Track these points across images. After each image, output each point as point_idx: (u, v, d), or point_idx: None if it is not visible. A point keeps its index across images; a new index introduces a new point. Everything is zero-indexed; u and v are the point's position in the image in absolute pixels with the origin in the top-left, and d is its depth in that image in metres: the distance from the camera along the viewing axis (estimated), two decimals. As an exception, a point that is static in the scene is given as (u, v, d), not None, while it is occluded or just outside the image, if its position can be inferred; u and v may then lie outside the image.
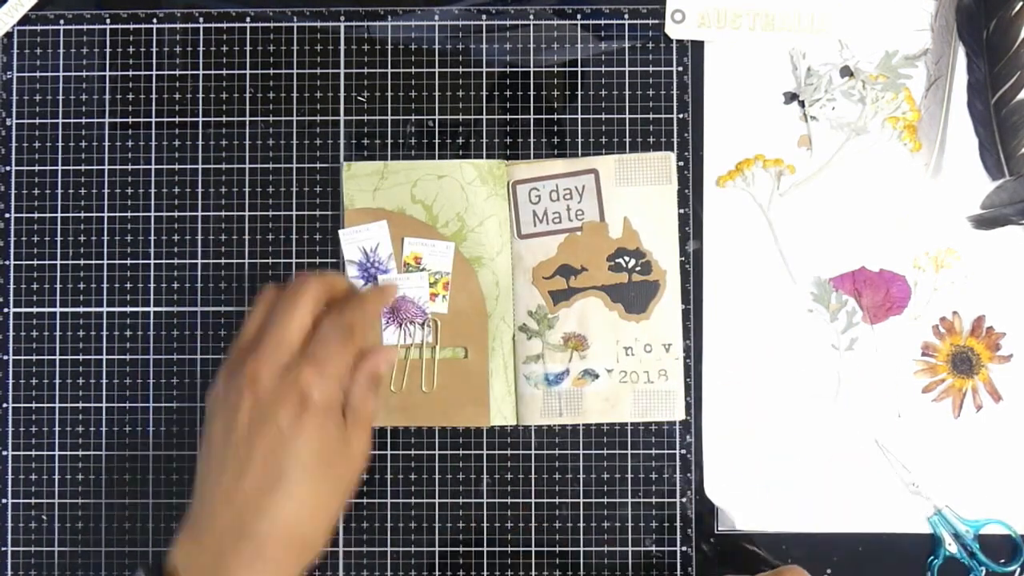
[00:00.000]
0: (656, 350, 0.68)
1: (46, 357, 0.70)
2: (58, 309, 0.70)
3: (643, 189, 0.69)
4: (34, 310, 0.70)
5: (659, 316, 0.69)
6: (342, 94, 0.70)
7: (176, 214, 0.70)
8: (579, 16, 0.70)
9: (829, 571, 0.69)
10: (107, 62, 0.71)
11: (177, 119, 0.70)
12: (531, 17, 0.70)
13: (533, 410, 0.68)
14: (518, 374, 0.69)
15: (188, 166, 0.70)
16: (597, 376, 0.69)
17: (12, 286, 0.70)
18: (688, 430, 0.69)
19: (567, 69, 0.70)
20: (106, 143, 0.70)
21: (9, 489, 0.70)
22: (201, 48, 0.70)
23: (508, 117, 0.70)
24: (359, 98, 0.70)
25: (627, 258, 0.69)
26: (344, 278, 0.61)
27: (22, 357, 0.70)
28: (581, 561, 0.69)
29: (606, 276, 0.69)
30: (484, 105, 0.70)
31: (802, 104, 0.69)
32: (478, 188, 0.68)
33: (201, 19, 0.70)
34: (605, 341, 0.69)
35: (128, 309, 0.70)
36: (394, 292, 0.64)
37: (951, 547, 0.68)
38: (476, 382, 0.68)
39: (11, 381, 0.70)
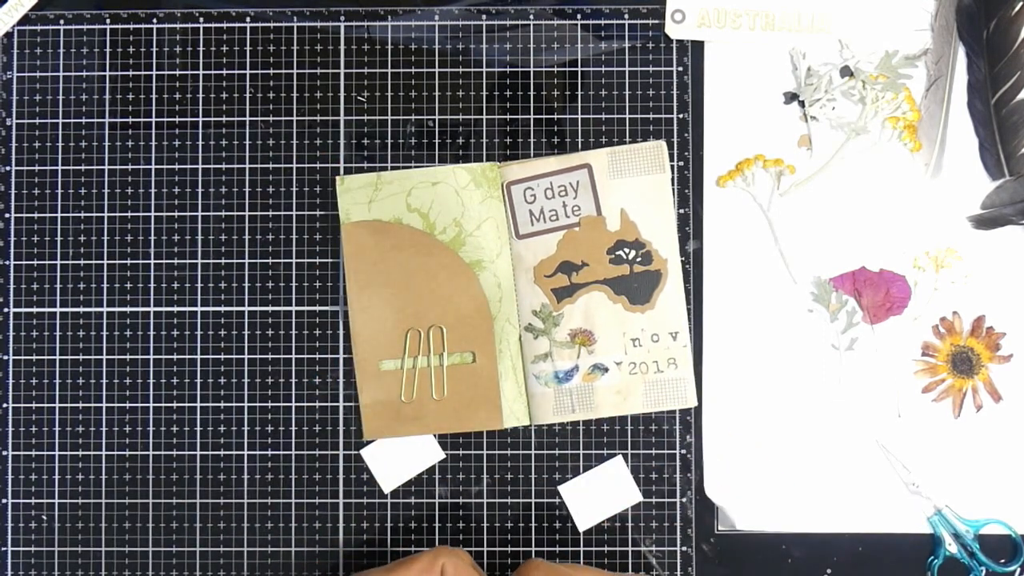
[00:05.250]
0: (663, 339, 0.69)
1: (46, 357, 0.70)
2: (58, 309, 0.70)
3: (637, 180, 0.69)
4: (34, 310, 0.70)
5: (663, 305, 0.69)
6: (342, 94, 0.70)
7: (176, 214, 0.70)
8: (579, 16, 0.70)
9: (829, 571, 0.69)
10: (107, 62, 0.71)
11: (177, 119, 0.70)
12: (531, 17, 0.70)
13: (545, 409, 0.69)
14: (527, 374, 0.69)
15: (188, 166, 0.70)
16: (607, 370, 0.69)
17: (12, 286, 0.70)
18: (688, 430, 0.69)
19: (567, 69, 0.70)
20: (106, 143, 0.70)
21: (9, 489, 0.70)
22: (201, 48, 0.70)
23: (508, 117, 0.70)
24: (359, 98, 0.70)
25: (627, 250, 0.69)
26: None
27: (22, 357, 0.70)
28: (582, 561, 0.69)
29: (607, 269, 0.69)
30: (484, 105, 0.70)
31: (802, 104, 0.69)
32: (472, 192, 0.68)
33: (201, 19, 0.70)
34: (612, 334, 0.69)
35: (128, 309, 0.70)
36: None
37: (951, 547, 0.68)
38: (486, 386, 0.68)
39: (11, 381, 0.70)
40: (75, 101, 0.70)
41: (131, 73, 0.71)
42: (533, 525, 0.69)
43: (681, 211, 0.69)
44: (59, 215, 0.70)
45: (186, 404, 0.70)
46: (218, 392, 0.70)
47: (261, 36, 0.70)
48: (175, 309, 0.70)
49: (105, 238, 0.70)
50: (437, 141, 0.70)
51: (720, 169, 0.69)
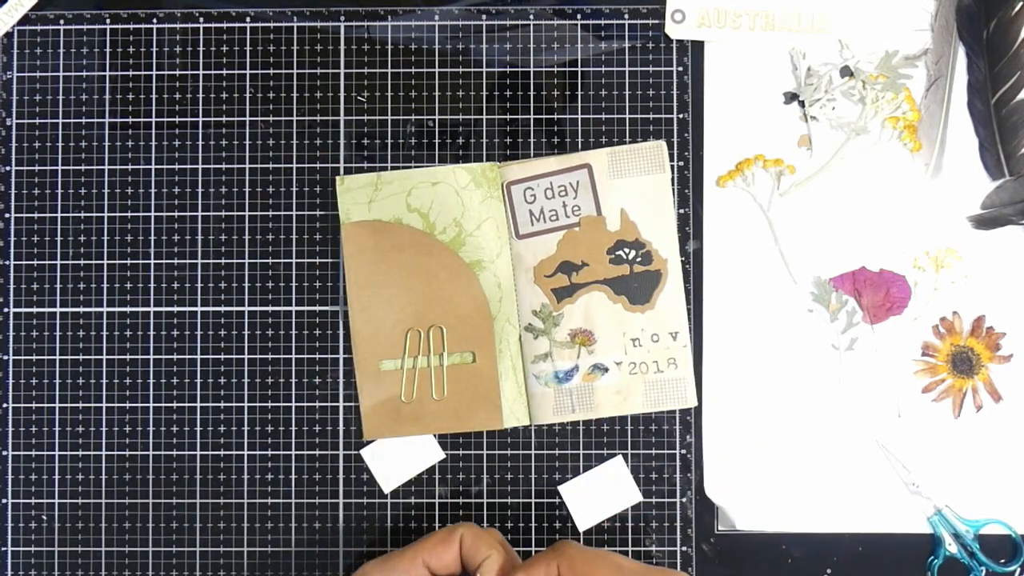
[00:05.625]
0: (663, 339, 0.69)
1: (46, 357, 0.70)
2: (58, 309, 0.70)
3: (637, 180, 0.69)
4: (34, 310, 0.70)
5: (663, 305, 0.69)
6: (342, 94, 0.70)
7: (176, 214, 0.70)
8: (579, 16, 0.70)
9: (829, 571, 0.69)
10: (107, 62, 0.71)
11: (177, 119, 0.70)
12: (531, 17, 0.70)
13: (545, 409, 0.69)
14: (527, 374, 0.69)
15: (188, 166, 0.70)
16: (607, 370, 0.69)
17: (12, 286, 0.70)
18: (688, 430, 0.69)
19: (567, 69, 0.70)
20: (106, 143, 0.70)
21: (9, 489, 0.70)
22: (201, 48, 0.70)
23: (508, 117, 0.70)
24: (359, 98, 0.70)
25: (627, 250, 0.69)
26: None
27: (22, 357, 0.70)
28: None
29: (607, 269, 0.69)
30: (484, 105, 0.70)
31: (802, 104, 0.69)
32: (473, 192, 0.68)
33: (201, 19, 0.70)
34: (612, 334, 0.69)
35: (128, 309, 0.70)
36: None
37: (951, 547, 0.68)
38: (486, 386, 0.68)
39: (11, 381, 0.70)
40: (75, 101, 0.70)
41: (131, 73, 0.71)
42: (533, 525, 0.69)
43: (681, 211, 0.69)
44: (59, 215, 0.70)
45: (186, 404, 0.70)
46: (218, 392, 0.70)
47: (261, 36, 0.70)
48: (175, 309, 0.70)
49: (105, 238, 0.70)
50: (437, 141, 0.70)
51: (720, 169, 0.69)
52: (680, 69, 0.70)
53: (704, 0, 0.69)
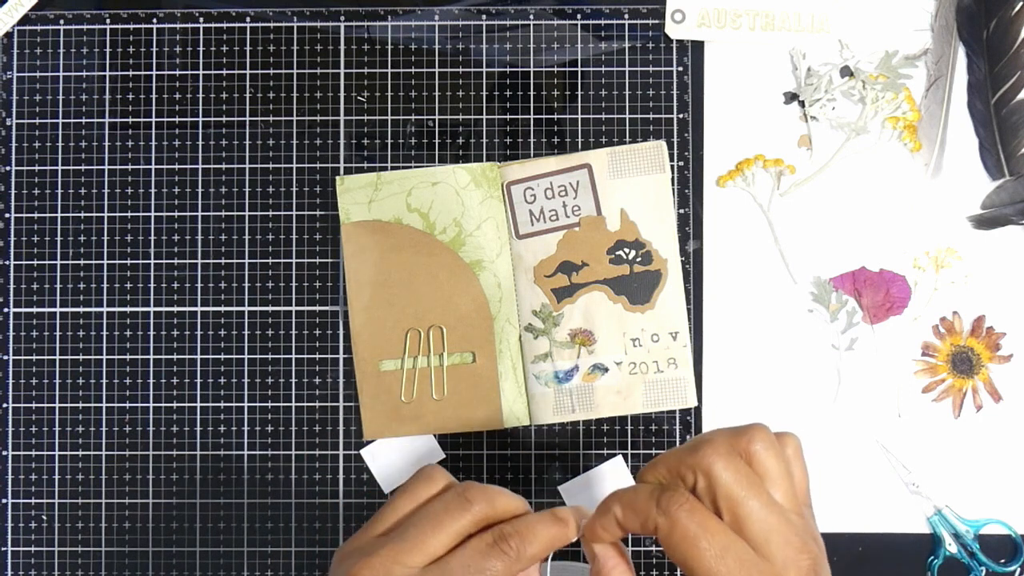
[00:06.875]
0: (663, 339, 0.69)
1: (46, 357, 0.70)
2: (58, 309, 0.70)
3: (637, 180, 0.69)
4: (34, 310, 0.70)
5: (663, 305, 0.69)
6: (342, 94, 0.70)
7: (176, 214, 0.70)
8: (579, 16, 0.70)
9: (829, 571, 0.69)
10: (107, 62, 0.71)
11: (177, 119, 0.70)
12: (531, 17, 0.70)
13: (545, 409, 0.69)
14: (527, 374, 0.69)
15: (188, 166, 0.70)
16: (607, 370, 0.69)
17: (12, 286, 0.70)
18: (688, 430, 0.69)
19: (567, 69, 0.70)
20: (106, 143, 0.70)
21: (9, 489, 0.70)
22: (201, 48, 0.70)
23: (508, 117, 0.70)
24: (359, 98, 0.70)
25: (627, 250, 0.69)
26: (515, 500, 0.52)
27: (22, 357, 0.70)
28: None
29: (607, 269, 0.69)
30: (484, 105, 0.70)
31: (802, 104, 0.69)
32: (472, 192, 0.68)
33: (201, 19, 0.70)
34: (612, 334, 0.69)
35: (128, 309, 0.70)
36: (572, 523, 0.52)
37: (951, 547, 0.68)
38: (486, 386, 0.68)
39: (11, 381, 0.70)
40: (75, 101, 0.70)
41: (131, 73, 0.71)
42: (533, 525, 0.69)
43: (681, 211, 0.69)
44: (59, 215, 0.70)
45: (186, 404, 0.70)
46: (218, 392, 0.70)
47: (261, 36, 0.70)
48: (175, 309, 0.70)
49: (105, 238, 0.70)
50: (437, 141, 0.70)
51: (720, 169, 0.70)
52: (680, 69, 0.70)
53: (704, 0, 0.69)
